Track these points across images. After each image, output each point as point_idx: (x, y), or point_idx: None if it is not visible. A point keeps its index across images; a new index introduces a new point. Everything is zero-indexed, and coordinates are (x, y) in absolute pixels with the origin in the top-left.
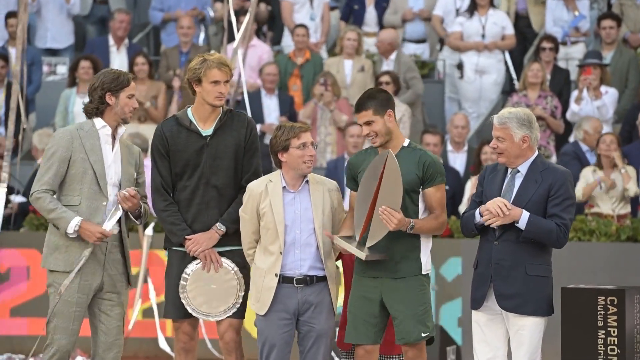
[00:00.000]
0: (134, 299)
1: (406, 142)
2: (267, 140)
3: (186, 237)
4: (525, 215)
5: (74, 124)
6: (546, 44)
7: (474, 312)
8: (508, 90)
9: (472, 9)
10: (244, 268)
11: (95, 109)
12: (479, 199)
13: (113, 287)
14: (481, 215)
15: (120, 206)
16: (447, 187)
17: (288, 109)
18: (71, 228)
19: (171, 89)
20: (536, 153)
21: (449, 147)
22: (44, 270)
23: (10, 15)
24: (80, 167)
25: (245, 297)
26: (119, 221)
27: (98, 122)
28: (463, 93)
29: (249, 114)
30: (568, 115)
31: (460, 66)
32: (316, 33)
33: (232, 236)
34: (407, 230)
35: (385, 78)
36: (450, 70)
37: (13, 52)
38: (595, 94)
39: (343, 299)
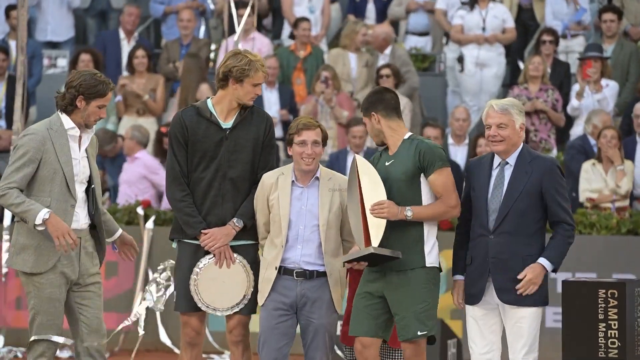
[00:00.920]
0: (136, 292)
1: (407, 135)
2: None
3: (202, 230)
4: (547, 263)
5: (45, 122)
6: (546, 37)
7: (469, 307)
8: (508, 83)
9: (473, 2)
10: (255, 263)
11: (64, 106)
12: (468, 202)
13: (91, 278)
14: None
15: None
16: None
17: (288, 102)
18: (39, 219)
19: (170, 81)
20: (522, 143)
21: (450, 140)
22: None
23: (11, 8)
24: (50, 169)
25: (255, 293)
26: (91, 216)
27: (66, 121)
28: (464, 86)
29: None
30: (569, 109)
31: (460, 59)
32: (316, 26)
33: (246, 231)
34: (407, 218)
35: (385, 71)
36: (452, 63)
37: (13, 45)
38: (596, 87)
39: (347, 294)
